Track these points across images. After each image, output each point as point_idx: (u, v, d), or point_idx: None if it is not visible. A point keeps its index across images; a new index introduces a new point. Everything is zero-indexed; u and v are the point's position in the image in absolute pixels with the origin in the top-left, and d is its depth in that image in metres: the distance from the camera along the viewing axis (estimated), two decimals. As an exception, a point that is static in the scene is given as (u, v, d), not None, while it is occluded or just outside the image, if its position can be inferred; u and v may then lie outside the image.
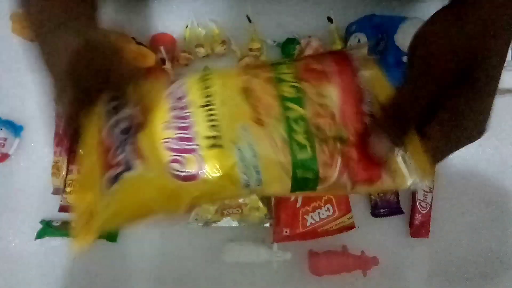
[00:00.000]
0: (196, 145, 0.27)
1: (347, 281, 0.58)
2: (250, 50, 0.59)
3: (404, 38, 0.51)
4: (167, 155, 0.27)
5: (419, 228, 0.60)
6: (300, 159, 0.28)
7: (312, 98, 0.29)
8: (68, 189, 0.58)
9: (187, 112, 0.28)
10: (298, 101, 0.28)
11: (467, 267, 0.61)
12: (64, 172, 0.57)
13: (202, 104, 0.28)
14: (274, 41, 0.61)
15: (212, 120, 0.27)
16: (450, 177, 0.62)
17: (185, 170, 0.26)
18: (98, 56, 0.33)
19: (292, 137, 0.28)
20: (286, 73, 0.30)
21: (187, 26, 0.61)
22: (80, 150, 0.30)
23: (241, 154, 0.27)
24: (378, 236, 0.60)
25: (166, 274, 0.59)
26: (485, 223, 0.62)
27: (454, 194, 0.62)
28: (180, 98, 0.28)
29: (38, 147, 0.60)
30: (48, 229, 0.57)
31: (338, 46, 0.59)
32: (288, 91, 0.29)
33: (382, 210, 0.59)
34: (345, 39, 0.60)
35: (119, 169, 0.27)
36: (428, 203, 0.60)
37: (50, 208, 0.58)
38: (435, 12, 0.32)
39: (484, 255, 0.61)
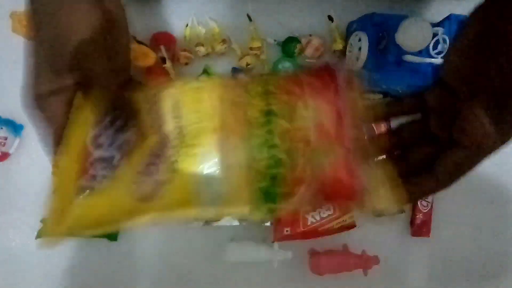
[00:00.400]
0: (159, 169, 0.28)
1: (348, 280, 0.57)
2: (251, 49, 0.59)
3: (404, 36, 0.51)
4: (134, 177, 0.28)
5: (420, 227, 0.60)
6: (271, 174, 0.28)
7: (298, 111, 0.29)
8: (68, 188, 0.58)
9: (164, 141, 0.29)
10: (281, 113, 0.28)
11: (468, 267, 0.61)
12: (64, 171, 0.57)
13: (174, 132, 0.29)
14: (275, 40, 0.61)
15: (176, 146, 0.28)
16: (451, 176, 0.62)
17: (144, 191, 0.28)
18: (113, 38, 0.30)
19: (268, 151, 0.28)
20: (271, 85, 0.29)
21: (187, 25, 0.61)
22: (61, 146, 0.30)
23: (201, 179, 0.28)
24: (379, 235, 0.60)
25: (166, 274, 0.59)
26: (486, 223, 0.62)
27: (455, 193, 0.61)
28: (175, 118, 0.29)
29: (39, 146, 0.59)
30: (48, 228, 0.57)
31: (338, 45, 0.59)
32: (272, 103, 0.29)
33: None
34: (345, 38, 0.60)
35: (93, 182, 0.28)
36: (429, 202, 0.60)
37: (50, 207, 0.58)
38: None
39: (485, 255, 0.61)
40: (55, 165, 0.30)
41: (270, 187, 0.28)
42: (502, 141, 0.31)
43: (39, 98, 0.31)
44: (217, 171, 0.27)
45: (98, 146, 0.29)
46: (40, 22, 0.30)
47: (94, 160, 0.28)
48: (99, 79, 0.30)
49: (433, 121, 0.34)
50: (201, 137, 0.28)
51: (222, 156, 0.27)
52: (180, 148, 0.28)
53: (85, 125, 0.29)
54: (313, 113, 0.29)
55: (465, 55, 0.31)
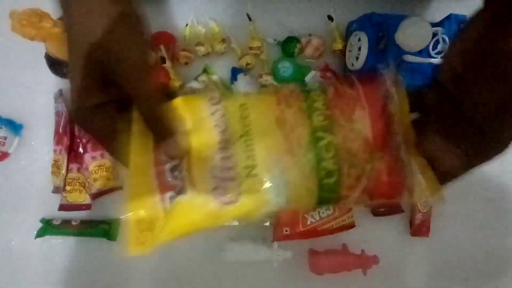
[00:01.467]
0: (236, 173, 0.31)
1: (348, 280, 0.57)
2: (250, 48, 0.59)
3: (404, 36, 0.51)
4: (212, 183, 0.30)
5: (419, 227, 0.60)
6: (325, 184, 0.31)
7: (343, 124, 0.31)
8: (68, 188, 0.58)
9: (229, 143, 0.31)
10: (328, 129, 0.31)
11: (467, 266, 0.61)
12: (64, 171, 0.57)
13: (241, 135, 0.31)
14: (275, 40, 0.61)
15: (249, 151, 0.31)
16: (450, 176, 0.62)
17: (226, 196, 0.30)
18: (135, 32, 0.30)
19: (319, 165, 0.31)
20: (317, 101, 0.32)
21: (187, 25, 0.60)
22: (131, 160, 0.32)
23: (273, 182, 0.31)
24: (378, 235, 0.60)
25: (166, 273, 0.59)
26: (486, 222, 0.62)
27: (455, 193, 0.62)
28: (224, 130, 0.32)
29: (38, 146, 0.60)
30: (48, 227, 0.57)
31: (338, 44, 0.59)
32: (319, 120, 0.31)
33: (382, 209, 0.59)
34: (345, 38, 0.60)
35: (175, 191, 0.31)
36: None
37: (50, 207, 0.58)
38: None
39: (485, 254, 0.61)
40: (129, 177, 0.32)
41: (325, 194, 0.31)
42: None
43: (90, 111, 0.32)
44: (281, 185, 0.31)
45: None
46: (66, 26, 0.31)
47: (165, 169, 0.31)
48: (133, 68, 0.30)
49: (432, 121, 0.34)
50: (260, 153, 0.31)
51: (287, 172, 0.31)
52: (243, 166, 0.31)
53: (146, 140, 0.32)
54: (364, 122, 0.31)
55: (463, 59, 0.31)
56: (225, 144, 0.31)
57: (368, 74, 0.33)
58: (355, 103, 0.32)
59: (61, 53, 0.56)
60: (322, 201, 0.32)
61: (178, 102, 0.33)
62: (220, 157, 0.31)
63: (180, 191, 0.30)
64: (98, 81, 0.31)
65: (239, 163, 0.31)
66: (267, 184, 0.30)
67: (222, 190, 0.30)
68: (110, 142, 0.33)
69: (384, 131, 0.31)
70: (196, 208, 0.30)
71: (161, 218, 0.31)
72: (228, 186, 0.30)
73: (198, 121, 0.32)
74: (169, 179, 0.31)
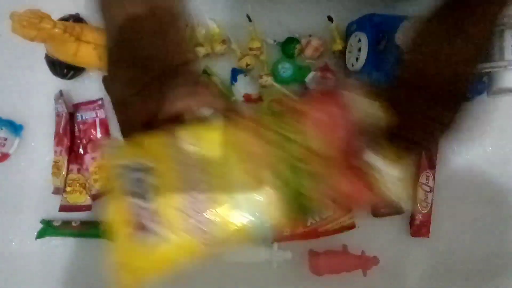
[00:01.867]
0: (210, 210, 0.30)
1: (348, 280, 0.57)
2: (250, 49, 0.59)
3: (405, 37, 0.51)
4: (185, 219, 0.30)
5: (419, 228, 0.60)
6: (296, 202, 0.32)
7: (300, 143, 0.32)
8: (68, 189, 0.58)
9: (199, 177, 0.31)
10: (292, 152, 0.32)
11: (467, 267, 0.61)
12: (64, 172, 0.57)
13: (215, 169, 0.31)
14: (274, 40, 0.61)
15: (223, 185, 0.31)
16: (450, 177, 0.62)
17: (204, 234, 0.30)
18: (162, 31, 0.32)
19: (289, 187, 0.31)
20: (283, 128, 0.32)
21: (187, 25, 0.60)
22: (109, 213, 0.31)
23: (247, 215, 0.31)
24: (378, 235, 0.60)
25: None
26: (486, 223, 0.62)
27: (455, 193, 0.62)
28: (195, 167, 0.31)
29: (38, 147, 0.60)
30: (48, 228, 0.57)
31: (338, 45, 0.59)
32: (289, 147, 0.32)
33: (382, 210, 0.59)
34: (345, 38, 0.60)
35: (147, 232, 0.30)
36: (428, 203, 0.60)
37: (50, 208, 0.58)
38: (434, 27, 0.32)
39: (485, 255, 0.61)
40: (109, 217, 0.32)
41: (300, 211, 0.32)
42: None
43: (123, 102, 0.33)
44: (258, 213, 0.31)
45: (133, 193, 0.31)
46: (102, 16, 0.33)
47: (135, 206, 0.31)
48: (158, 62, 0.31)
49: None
50: (234, 187, 0.31)
51: (257, 205, 0.31)
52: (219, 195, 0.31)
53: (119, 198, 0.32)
54: (317, 139, 0.32)
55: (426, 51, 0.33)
56: (193, 177, 0.31)
57: (327, 93, 0.34)
58: (310, 122, 0.32)
59: (61, 54, 0.56)
60: (300, 214, 0.33)
61: (145, 140, 0.32)
62: (192, 194, 0.31)
63: (154, 233, 0.30)
64: (130, 64, 0.32)
65: (212, 198, 0.31)
66: (242, 219, 0.31)
67: (198, 228, 0.30)
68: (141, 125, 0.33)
69: (339, 144, 0.32)
70: (175, 249, 0.31)
71: (140, 261, 0.31)
72: (204, 223, 0.30)
73: (168, 156, 0.32)
74: (139, 213, 0.31)
